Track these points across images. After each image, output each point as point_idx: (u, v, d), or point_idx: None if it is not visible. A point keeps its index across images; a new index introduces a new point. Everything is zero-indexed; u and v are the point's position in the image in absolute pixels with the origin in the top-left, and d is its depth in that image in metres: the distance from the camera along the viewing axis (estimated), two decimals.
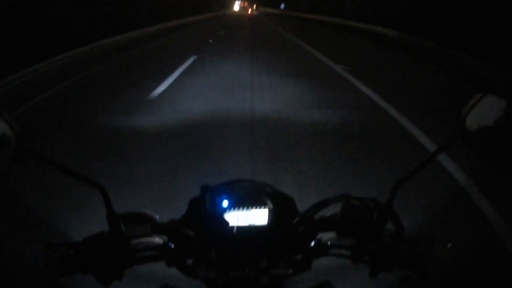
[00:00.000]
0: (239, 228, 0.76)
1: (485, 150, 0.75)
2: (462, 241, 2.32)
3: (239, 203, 0.76)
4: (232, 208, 0.76)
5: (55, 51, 8.09)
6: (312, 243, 0.77)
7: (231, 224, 0.75)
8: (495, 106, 0.73)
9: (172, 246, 0.76)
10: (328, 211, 0.76)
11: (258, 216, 0.77)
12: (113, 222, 0.71)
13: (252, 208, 0.77)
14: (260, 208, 0.77)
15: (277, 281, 0.76)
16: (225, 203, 0.75)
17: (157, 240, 0.76)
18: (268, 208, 0.77)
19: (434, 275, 0.68)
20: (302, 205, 0.78)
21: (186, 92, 6.02)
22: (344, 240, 0.75)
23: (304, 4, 32.68)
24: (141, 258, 0.74)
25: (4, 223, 2.54)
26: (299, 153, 3.76)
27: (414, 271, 0.70)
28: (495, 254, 2.31)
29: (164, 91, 6.10)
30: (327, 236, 0.76)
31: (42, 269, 0.65)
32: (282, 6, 38.12)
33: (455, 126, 0.74)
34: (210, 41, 13.10)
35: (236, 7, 77.60)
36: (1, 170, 0.68)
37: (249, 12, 68.63)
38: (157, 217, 0.78)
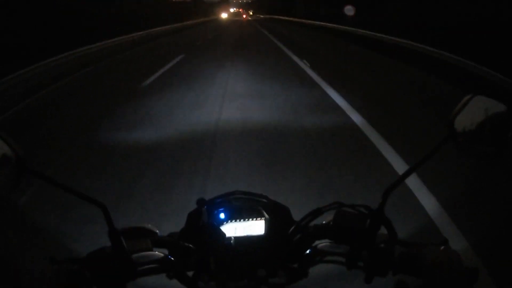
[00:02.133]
0: (236, 239, 0.79)
1: (475, 152, 0.76)
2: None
3: (236, 215, 0.79)
4: (229, 220, 0.78)
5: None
6: (308, 251, 0.79)
7: (228, 235, 0.77)
8: (485, 107, 0.74)
9: (173, 259, 0.78)
10: (322, 219, 0.78)
11: (255, 227, 0.79)
12: (114, 238, 0.73)
13: (248, 219, 0.79)
14: (256, 219, 0.79)
15: None
16: (222, 215, 0.77)
17: (158, 253, 0.78)
18: (265, 219, 0.79)
19: (429, 277, 0.69)
20: (296, 214, 0.78)
21: None
22: (339, 247, 0.77)
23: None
24: (143, 271, 0.76)
25: (10, 239, 2.56)
26: None
27: (408, 274, 0.72)
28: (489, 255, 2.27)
29: None
30: (322, 244, 0.78)
31: (48, 284, 0.68)
32: (349, 9, 19.69)
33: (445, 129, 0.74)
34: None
35: (225, 14, 61.79)
36: (2, 189, 0.70)
37: (244, 18, 61.15)
38: (157, 231, 0.81)
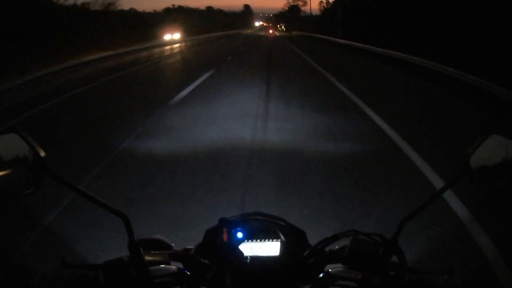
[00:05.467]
0: (252, 258, 0.81)
1: (490, 188, 0.78)
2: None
3: (253, 235, 0.81)
4: (247, 240, 0.81)
5: None
6: (321, 275, 0.80)
7: (245, 254, 0.80)
8: (500, 146, 0.77)
9: (188, 273, 0.81)
10: (336, 245, 0.80)
11: (270, 248, 0.82)
12: (134, 249, 0.76)
13: (265, 240, 0.81)
14: (273, 240, 0.81)
15: None
16: (239, 235, 0.80)
17: (174, 267, 0.80)
18: (280, 241, 0.82)
19: None
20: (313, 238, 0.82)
21: None
22: (351, 273, 0.78)
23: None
24: (159, 284, 0.79)
25: (22, 241, 2.61)
26: None
27: None
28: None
29: None
30: (335, 268, 0.80)
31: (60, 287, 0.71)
32: None
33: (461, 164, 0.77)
34: None
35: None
36: (20, 191, 0.73)
37: (271, 33, 51.06)
38: (172, 244, 0.84)
